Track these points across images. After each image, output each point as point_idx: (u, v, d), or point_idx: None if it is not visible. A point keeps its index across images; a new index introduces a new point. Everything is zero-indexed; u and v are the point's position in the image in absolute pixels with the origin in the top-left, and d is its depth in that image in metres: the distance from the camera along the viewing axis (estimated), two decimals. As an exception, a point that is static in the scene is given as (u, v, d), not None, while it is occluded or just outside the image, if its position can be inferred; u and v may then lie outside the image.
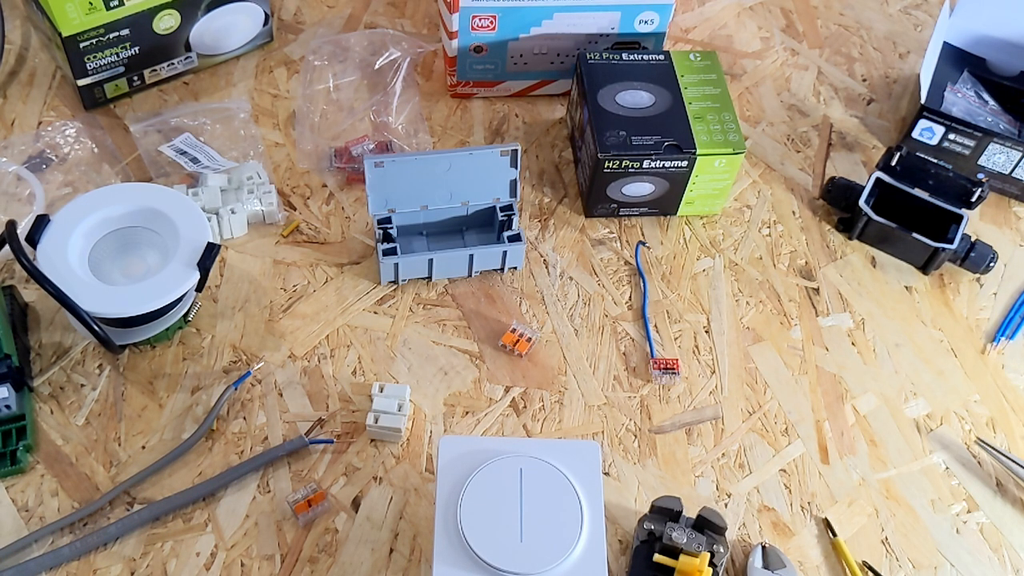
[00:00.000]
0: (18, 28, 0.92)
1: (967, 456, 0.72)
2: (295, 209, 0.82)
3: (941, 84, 0.93)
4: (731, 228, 0.84)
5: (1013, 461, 0.71)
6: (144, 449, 0.68)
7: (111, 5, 0.80)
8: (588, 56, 0.84)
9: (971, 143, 0.86)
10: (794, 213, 0.86)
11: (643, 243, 0.82)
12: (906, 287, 0.82)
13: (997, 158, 0.86)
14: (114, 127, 0.86)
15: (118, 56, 0.84)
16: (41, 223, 0.68)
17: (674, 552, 0.62)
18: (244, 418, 0.69)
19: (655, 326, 0.77)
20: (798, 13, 1.04)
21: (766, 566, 0.64)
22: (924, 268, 0.82)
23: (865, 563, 0.66)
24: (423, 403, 0.71)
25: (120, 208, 0.71)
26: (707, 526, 0.63)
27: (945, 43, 0.96)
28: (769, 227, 0.85)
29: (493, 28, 0.85)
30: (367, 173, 0.73)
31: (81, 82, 0.84)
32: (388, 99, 0.87)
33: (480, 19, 0.84)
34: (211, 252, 0.68)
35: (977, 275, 0.83)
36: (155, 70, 0.87)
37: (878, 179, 0.83)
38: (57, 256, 0.67)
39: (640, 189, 0.81)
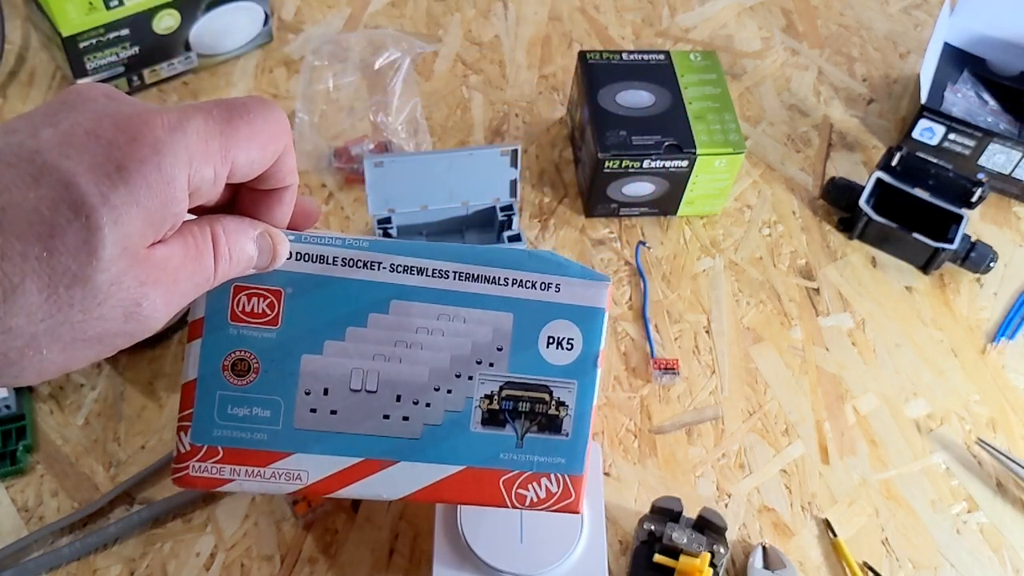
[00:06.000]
0: (18, 28, 0.92)
1: (967, 456, 0.72)
2: (295, 209, 0.82)
3: (941, 84, 0.93)
4: (731, 228, 0.84)
5: (1013, 461, 0.71)
6: (144, 449, 0.67)
7: (111, 5, 0.80)
8: (588, 56, 0.84)
9: (971, 143, 0.86)
10: (794, 213, 0.86)
11: (643, 243, 0.82)
12: (906, 287, 0.82)
13: (997, 158, 0.86)
14: (114, 127, 0.86)
15: (118, 56, 0.84)
16: (41, 223, 0.68)
17: (674, 552, 0.62)
18: (244, 418, 0.69)
19: (655, 326, 0.77)
20: (798, 13, 1.04)
21: (766, 566, 0.64)
22: (924, 268, 0.82)
23: (865, 563, 0.66)
24: (423, 403, 0.71)
25: (120, 208, 0.71)
26: (707, 526, 0.63)
27: (945, 43, 0.96)
28: (769, 227, 0.85)
29: None
30: (367, 173, 0.73)
31: (81, 82, 0.84)
32: (388, 99, 0.87)
33: None
34: (211, 252, 0.68)
35: (977, 275, 0.83)
36: (155, 70, 0.87)
37: (878, 179, 0.83)
38: (57, 256, 0.67)
39: (640, 189, 0.81)
